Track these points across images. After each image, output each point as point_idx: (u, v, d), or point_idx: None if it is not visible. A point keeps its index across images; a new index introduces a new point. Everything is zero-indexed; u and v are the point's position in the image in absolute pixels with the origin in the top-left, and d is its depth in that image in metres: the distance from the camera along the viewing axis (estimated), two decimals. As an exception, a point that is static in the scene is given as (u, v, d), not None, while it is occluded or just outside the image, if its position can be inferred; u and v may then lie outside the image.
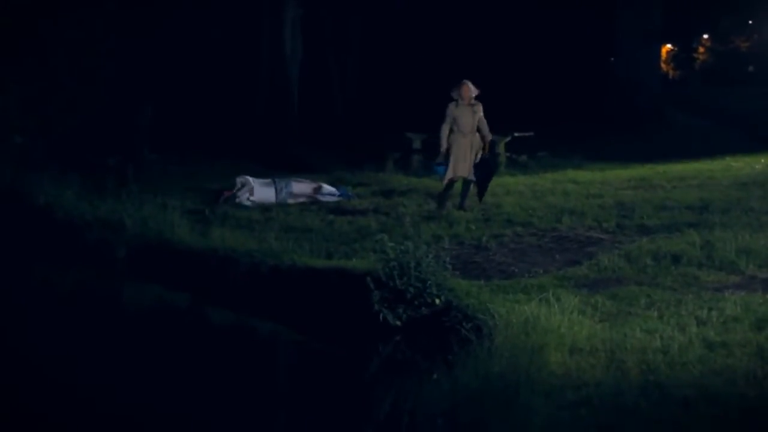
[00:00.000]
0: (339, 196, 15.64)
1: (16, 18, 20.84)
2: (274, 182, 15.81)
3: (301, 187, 15.78)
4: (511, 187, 15.83)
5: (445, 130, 13.59)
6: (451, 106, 13.64)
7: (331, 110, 30.18)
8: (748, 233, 10.87)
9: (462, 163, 13.62)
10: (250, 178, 15.73)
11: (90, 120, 21.28)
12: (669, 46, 47.08)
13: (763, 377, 6.49)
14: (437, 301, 9.06)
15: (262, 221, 13.68)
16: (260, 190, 15.55)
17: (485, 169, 13.86)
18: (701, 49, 48.26)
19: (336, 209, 14.50)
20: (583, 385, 6.53)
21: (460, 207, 13.79)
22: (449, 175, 13.67)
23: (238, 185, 15.65)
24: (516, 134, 19.64)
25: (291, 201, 15.35)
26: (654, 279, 9.56)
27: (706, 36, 47.23)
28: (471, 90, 13.56)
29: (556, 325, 7.68)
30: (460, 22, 31.18)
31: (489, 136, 13.78)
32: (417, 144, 20.12)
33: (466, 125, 13.57)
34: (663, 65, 42.69)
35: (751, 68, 43.42)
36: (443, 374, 7.28)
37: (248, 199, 15.34)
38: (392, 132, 21.25)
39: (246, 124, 24.48)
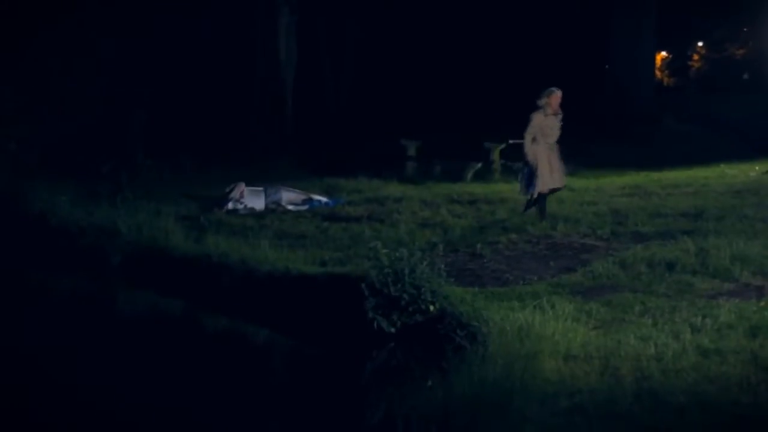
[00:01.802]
0: (331, 206, 15.62)
1: (10, 24, 20.85)
2: (265, 190, 15.84)
3: (291, 197, 15.78)
4: (506, 194, 15.81)
5: (529, 139, 12.87)
6: (538, 115, 12.83)
7: (326, 116, 30.16)
8: (743, 240, 10.86)
9: (553, 173, 13.00)
10: (242, 185, 15.75)
11: (85, 126, 21.29)
12: (663, 53, 47.12)
13: (757, 384, 6.49)
14: (431, 308, 9.05)
15: (256, 228, 13.66)
16: (251, 197, 15.58)
17: None
18: (696, 57, 48.29)
19: (330, 216, 14.49)
20: (577, 392, 6.53)
21: (544, 217, 13.07)
22: (539, 187, 12.93)
23: (230, 192, 15.66)
24: (511, 141, 19.58)
25: (280, 210, 15.34)
26: (648, 286, 9.55)
27: (700, 43, 47.29)
28: (560, 99, 12.94)
29: (551, 332, 7.69)
30: (455, 29, 31.20)
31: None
32: (412, 151, 20.11)
33: (552, 135, 12.96)
34: (658, 73, 42.75)
35: (745, 76, 43.38)
36: (437, 381, 7.28)
37: (239, 201, 15.35)
38: (387, 139, 21.25)
39: (241, 130, 24.47)
